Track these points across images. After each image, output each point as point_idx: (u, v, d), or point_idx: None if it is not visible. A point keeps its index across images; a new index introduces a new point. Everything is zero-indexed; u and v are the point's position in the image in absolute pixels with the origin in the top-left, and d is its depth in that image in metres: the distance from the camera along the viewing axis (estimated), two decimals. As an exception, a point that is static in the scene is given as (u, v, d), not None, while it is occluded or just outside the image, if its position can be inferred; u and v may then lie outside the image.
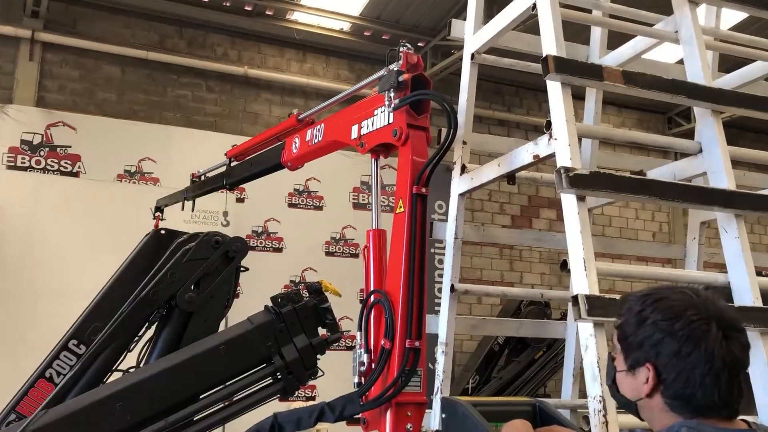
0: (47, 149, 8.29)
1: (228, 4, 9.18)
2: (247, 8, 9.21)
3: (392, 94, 3.18)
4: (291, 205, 9.37)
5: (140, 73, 9.08)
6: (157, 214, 5.76)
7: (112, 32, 8.97)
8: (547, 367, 8.55)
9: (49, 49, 8.64)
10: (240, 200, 8.95)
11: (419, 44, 10.17)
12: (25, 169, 8.15)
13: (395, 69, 3.20)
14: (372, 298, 3.25)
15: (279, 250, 9.18)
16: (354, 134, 3.57)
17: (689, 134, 5.01)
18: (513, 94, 11.08)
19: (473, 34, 3.58)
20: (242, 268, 4.13)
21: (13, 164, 8.10)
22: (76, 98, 8.75)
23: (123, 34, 9.04)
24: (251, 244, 8.67)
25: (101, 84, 8.89)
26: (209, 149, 8.95)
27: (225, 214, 8.38)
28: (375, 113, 3.40)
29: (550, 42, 2.80)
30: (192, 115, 9.33)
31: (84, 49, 8.76)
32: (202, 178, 5.68)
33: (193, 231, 4.12)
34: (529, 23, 3.36)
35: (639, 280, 4.57)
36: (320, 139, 3.94)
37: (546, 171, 3.90)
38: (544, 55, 2.77)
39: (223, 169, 5.34)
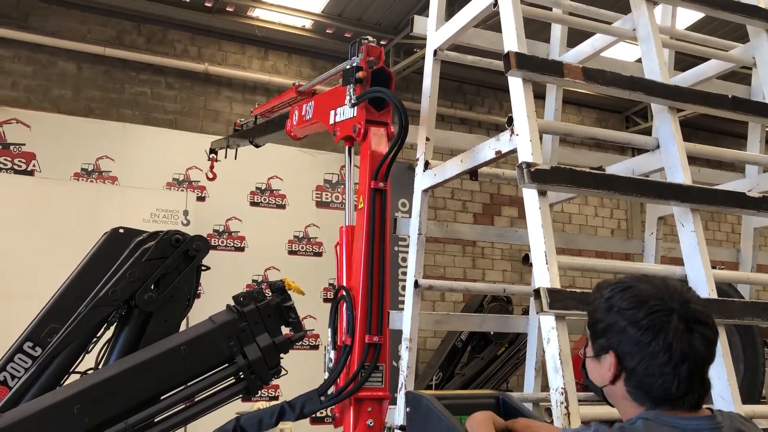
0: (0, 147, 8.05)
1: (188, 0, 9.04)
2: (207, 4, 9.08)
3: (352, 90, 3.17)
4: (253, 204, 9.29)
5: (97, 69, 8.89)
6: (212, 156, 6.26)
7: (66, 27, 8.75)
8: (509, 362, 8.63)
9: (1, 44, 8.40)
10: (201, 199, 8.84)
11: (381, 42, 10.14)
12: (-24, 167, 7.91)
13: (355, 64, 3.17)
14: (338, 294, 3.25)
15: (241, 249, 9.09)
16: (332, 120, 3.59)
17: (646, 132, 5.12)
18: (474, 93, 11.17)
19: (435, 31, 3.59)
20: (203, 267, 4.05)
21: (-37, 162, 7.85)
22: (29, 95, 8.51)
23: (79, 30, 8.83)
24: (213, 244, 8.59)
25: (56, 80, 8.67)
26: (169, 147, 8.87)
27: (185, 213, 8.28)
28: (345, 103, 3.41)
29: (511, 38, 2.82)
30: (151, 112, 9.17)
31: (37, 44, 8.53)
32: (244, 128, 5.92)
33: (152, 229, 4.04)
34: (491, 21, 3.39)
35: (598, 275, 4.65)
36: (310, 116, 3.96)
37: (507, 168, 3.94)
38: (505, 51, 2.79)
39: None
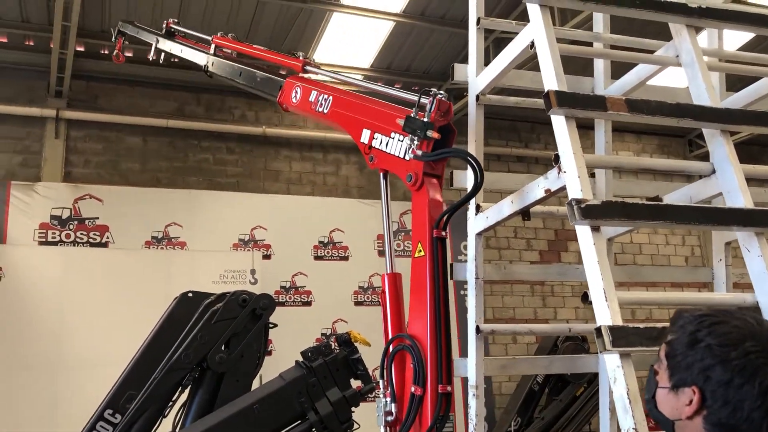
0: (76, 222, 8.50)
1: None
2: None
3: (416, 142, 3.11)
4: (317, 258, 9.44)
5: (161, 141, 9.34)
6: (120, 37, 5.96)
7: (132, 104, 9.26)
8: (589, 403, 8.33)
9: (73, 125, 8.95)
10: (266, 257, 9.05)
11: (432, 89, 10.32)
12: (55, 243, 8.36)
13: (426, 119, 3.07)
14: (393, 344, 3.23)
15: (308, 303, 9.21)
16: (364, 139, 3.41)
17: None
18: (529, 131, 11.13)
19: (476, 76, 3.65)
20: (271, 325, 4.14)
21: (44, 240, 8.31)
22: (101, 170, 9.00)
23: (142, 105, 9.33)
24: (280, 300, 8.75)
25: (124, 155, 9.15)
26: (233, 209, 9.17)
27: (252, 272, 8.48)
28: (392, 135, 3.29)
29: (550, 77, 2.84)
30: (214, 177, 9.52)
31: (106, 122, 9.06)
32: (178, 34, 5.69)
33: (221, 291, 4.17)
34: (532, 61, 3.41)
35: (666, 307, 4.49)
36: (325, 111, 3.74)
37: (563, 204, 3.90)
38: (545, 90, 2.81)
39: (203, 55, 5.37)
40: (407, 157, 3.17)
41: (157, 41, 5.56)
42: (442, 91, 3.26)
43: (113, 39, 5.81)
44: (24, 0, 7.98)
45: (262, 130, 9.74)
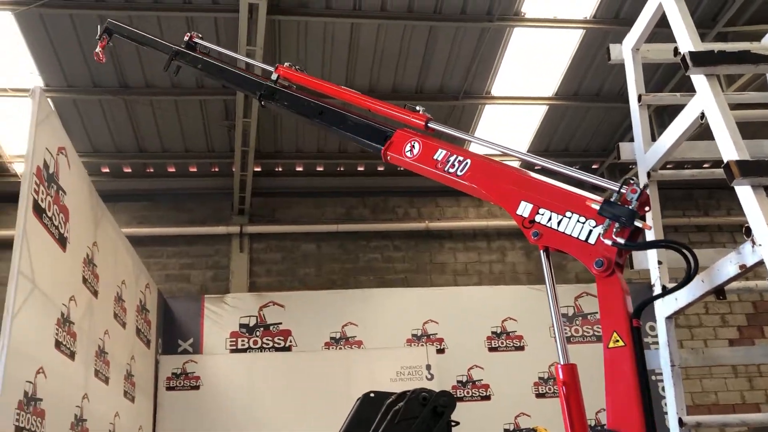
0: (262, 329, 9.06)
1: (401, 169, 9.82)
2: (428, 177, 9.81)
3: (615, 229, 2.97)
4: (491, 349, 9.24)
5: (333, 244, 9.85)
6: (104, 36, 5.28)
7: (305, 213, 9.94)
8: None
9: (255, 238, 9.73)
10: (440, 351, 9.02)
11: (594, 166, 10.08)
12: (245, 350, 8.93)
13: (632, 207, 2.91)
14: None
15: (487, 397, 8.96)
16: (523, 212, 3.21)
17: None
18: (706, 197, 10.41)
19: (645, 153, 3.51)
20: (453, 423, 4.07)
21: (234, 348, 8.93)
22: (281, 278, 9.62)
23: (314, 213, 9.97)
24: (458, 395, 8.60)
25: (301, 261, 9.74)
26: (404, 305, 9.33)
27: (428, 367, 8.46)
28: (567, 214, 3.12)
29: (728, 147, 2.67)
30: (384, 275, 9.81)
31: (283, 233, 9.77)
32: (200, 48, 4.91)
33: (399, 387, 4.19)
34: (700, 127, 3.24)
35: None
36: (459, 174, 3.51)
37: (760, 278, 3.55)
38: (725, 161, 2.64)
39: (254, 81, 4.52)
40: (606, 242, 2.94)
41: (176, 54, 4.95)
42: (637, 179, 3.05)
43: (98, 37, 5.21)
44: (209, 133, 9.01)
45: (425, 225, 9.98)
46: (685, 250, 2.83)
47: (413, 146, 3.75)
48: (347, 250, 9.90)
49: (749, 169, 2.55)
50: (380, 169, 9.98)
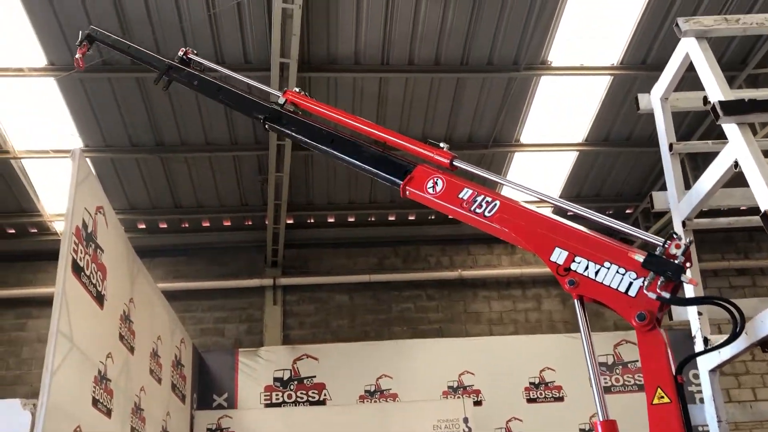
0: (296, 382, 9.00)
1: (433, 217, 9.85)
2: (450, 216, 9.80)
3: (660, 283, 2.92)
4: (530, 401, 9.02)
5: (366, 295, 9.82)
6: (85, 43, 5.02)
7: (337, 264, 9.96)
8: None
9: (288, 291, 9.76)
10: (477, 403, 8.83)
11: (627, 211, 9.97)
12: (279, 404, 8.86)
13: (677, 262, 2.84)
14: None
15: (529, 451, 8.72)
16: (558, 259, 3.10)
17: None
18: (746, 240, 10.17)
19: (678, 202, 3.46)
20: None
21: (269, 402, 8.86)
22: (314, 330, 9.60)
23: (347, 264, 9.98)
24: (498, 449, 8.38)
25: (334, 313, 9.72)
26: (439, 355, 9.19)
27: (465, 420, 8.28)
28: (605, 264, 3.02)
29: (765, 197, 2.62)
30: (417, 325, 9.72)
31: (316, 284, 9.79)
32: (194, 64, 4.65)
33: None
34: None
35: None
36: (489, 215, 3.36)
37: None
38: (762, 210, 2.59)
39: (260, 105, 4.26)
40: (650, 295, 2.84)
41: (170, 68, 4.70)
42: (681, 234, 2.96)
43: (77, 43, 4.99)
44: (243, 187, 9.16)
45: (458, 273, 9.91)
46: (731, 307, 2.75)
47: (436, 183, 3.60)
48: (380, 301, 9.85)
49: (788, 218, 2.50)
50: (411, 218, 10.00)
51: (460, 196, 3.48)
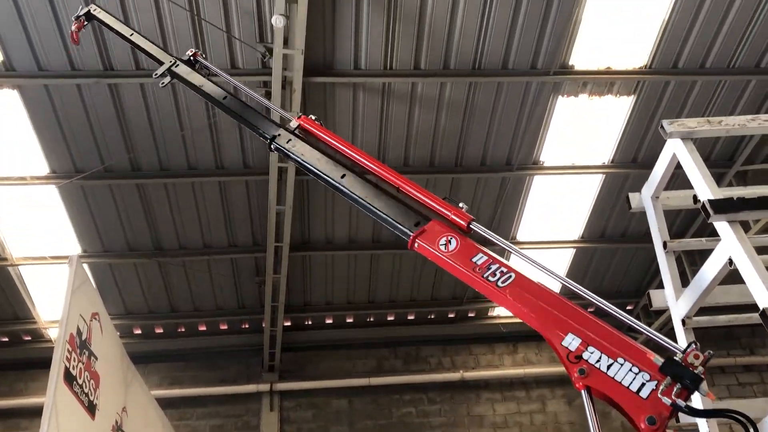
0: (294, 495, 8.60)
1: (432, 317, 9.76)
2: (450, 315, 9.72)
3: (677, 389, 2.79)
4: None
5: (365, 399, 9.55)
6: (81, 18, 4.77)
7: (335, 367, 9.74)
8: None
9: (286, 396, 9.50)
10: None
11: (628, 307, 9.89)
12: None
13: (698, 372, 2.76)
14: None
15: None
16: (569, 345, 2.99)
17: None
18: (749, 335, 10.03)
19: (676, 301, 3.45)
20: None
21: None
22: (313, 438, 9.27)
23: (345, 367, 9.77)
24: None
25: (333, 419, 9.41)
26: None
27: None
28: (619, 360, 2.92)
29: (762, 294, 2.61)
30: (419, 431, 9.40)
31: (314, 389, 9.52)
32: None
33: None
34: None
35: None
36: (501, 285, 3.23)
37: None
38: (761, 309, 2.57)
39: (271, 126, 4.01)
40: (665, 400, 2.74)
41: (175, 64, 4.48)
42: (698, 345, 2.90)
43: (74, 17, 4.81)
44: (240, 290, 9.11)
45: (460, 375, 9.69)
46: (744, 420, 2.67)
47: (449, 241, 3.43)
48: (380, 405, 9.57)
49: (787, 316, 2.48)
50: (410, 318, 9.89)
51: (474, 260, 3.34)
